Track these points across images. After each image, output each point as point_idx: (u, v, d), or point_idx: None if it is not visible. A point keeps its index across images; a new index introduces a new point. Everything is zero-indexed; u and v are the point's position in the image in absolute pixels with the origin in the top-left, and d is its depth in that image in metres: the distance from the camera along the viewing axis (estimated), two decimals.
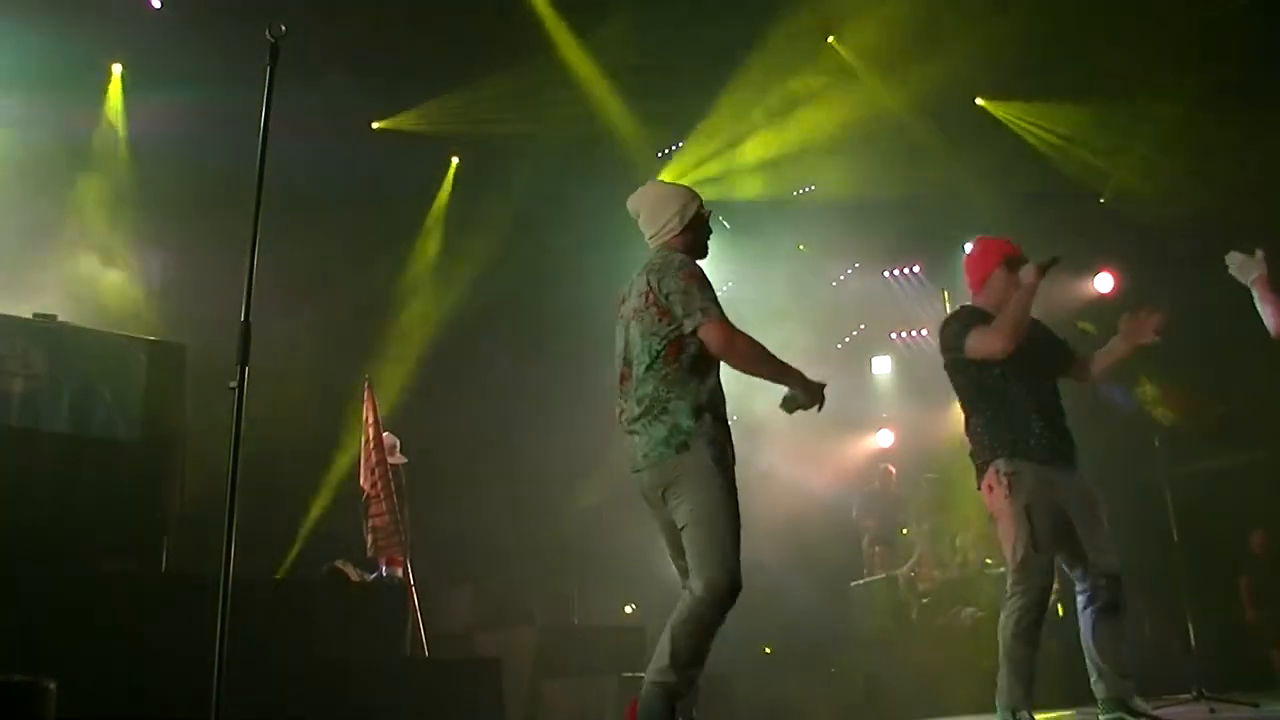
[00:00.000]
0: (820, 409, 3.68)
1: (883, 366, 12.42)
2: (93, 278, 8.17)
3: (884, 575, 9.56)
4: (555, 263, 10.66)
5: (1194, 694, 6.38)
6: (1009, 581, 4.24)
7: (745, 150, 11.19)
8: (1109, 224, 10.91)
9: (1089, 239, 10.38)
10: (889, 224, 11.22)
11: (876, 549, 9.92)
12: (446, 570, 8.91)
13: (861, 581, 9.81)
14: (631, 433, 3.68)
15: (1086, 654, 4.43)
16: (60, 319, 5.80)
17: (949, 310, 3.87)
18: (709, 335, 3.51)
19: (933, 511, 9.98)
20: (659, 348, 3.58)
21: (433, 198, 10.85)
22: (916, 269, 12.40)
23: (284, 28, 3.43)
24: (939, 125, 10.61)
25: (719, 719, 7.04)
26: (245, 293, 3.32)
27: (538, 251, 10.62)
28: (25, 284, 7.45)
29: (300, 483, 8.61)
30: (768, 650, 9.92)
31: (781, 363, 3.63)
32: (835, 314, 12.23)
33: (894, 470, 10.82)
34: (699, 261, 3.72)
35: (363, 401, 7.74)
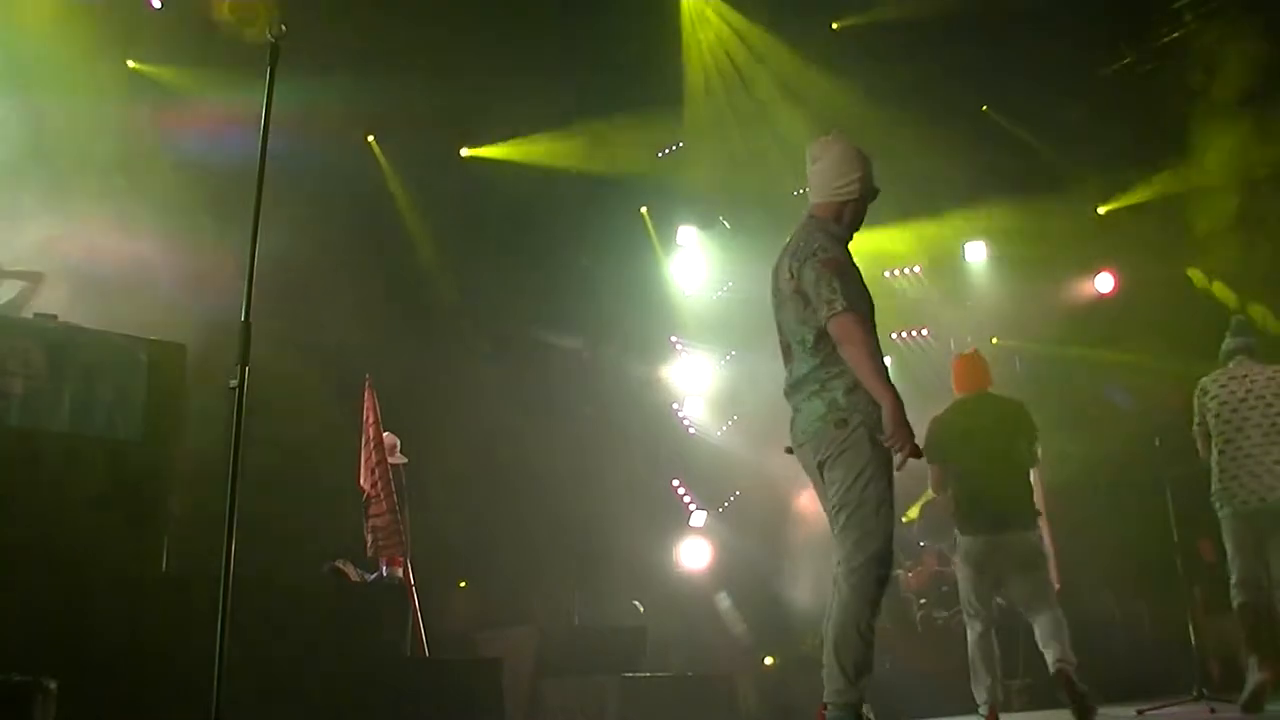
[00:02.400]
0: (898, 461, 3.60)
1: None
2: (93, 277, 8.16)
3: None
4: (556, 262, 10.66)
5: (1194, 694, 6.38)
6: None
7: None
8: (1109, 225, 10.93)
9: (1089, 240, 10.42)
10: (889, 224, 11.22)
11: None
12: (446, 570, 8.91)
13: None
14: (795, 409, 3.80)
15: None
16: (60, 319, 5.80)
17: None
18: (834, 329, 3.64)
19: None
20: (812, 333, 3.71)
21: (431, 197, 10.86)
22: (916, 269, 12.39)
23: (284, 27, 3.43)
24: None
25: (719, 719, 7.05)
26: (245, 293, 3.33)
27: (538, 251, 10.62)
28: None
29: (300, 483, 8.60)
30: (769, 661, 9.92)
31: (884, 383, 3.60)
32: None
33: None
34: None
35: (363, 401, 7.73)
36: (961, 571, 5.54)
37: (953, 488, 5.45)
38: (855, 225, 3.95)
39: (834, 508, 3.64)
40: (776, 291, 3.90)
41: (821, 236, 3.79)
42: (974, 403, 5.65)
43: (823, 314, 3.63)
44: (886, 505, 3.58)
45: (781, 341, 3.91)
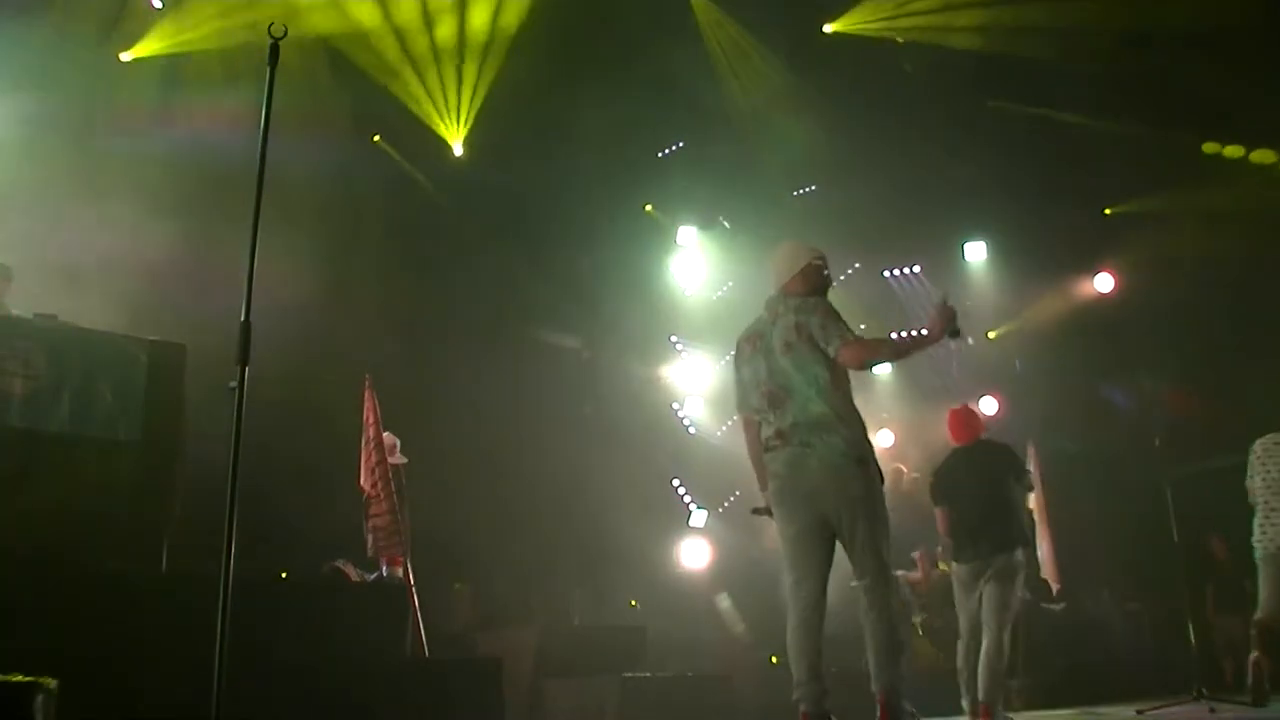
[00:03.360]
0: (954, 332, 4.43)
1: (883, 367, 12.40)
2: (93, 277, 8.16)
3: None
4: (556, 262, 10.66)
5: (1194, 694, 6.38)
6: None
7: None
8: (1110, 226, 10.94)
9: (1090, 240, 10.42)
10: (889, 224, 11.24)
11: None
12: (446, 570, 8.91)
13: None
14: (803, 444, 4.26)
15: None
16: (60, 319, 5.80)
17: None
18: (845, 356, 4.24)
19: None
20: (827, 372, 4.28)
21: (431, 196, 10.87)
22: (916, 269, 12.40)
23: (285, 28, 3.43)
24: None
25: (720, 719, 7.05)
26: (245, 293, 3.32)
27: (539, 251, 10.63)
28: (26, 283, 7.45)
29: (300, 483, 8.60)
30: (774, 660, 9.92)
31: (900, 342, 4.72)
32: None
33: (905, 469, 10.83)
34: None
35: (363, 401, 7.73)
36: (955, 594, 6.17)
37: (950, 525, 6.17)
38: (823, 292, 4.57)
39: (851, 535, 4.17)
40: (759, 348, 4.50)
41: (814, 298, 4.47)
42: (966, 452, 6.31)
43: (835, 345, 4.22)
44: (888, 530, 4.23)
45: (770, 390, 4.39)
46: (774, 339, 4.44)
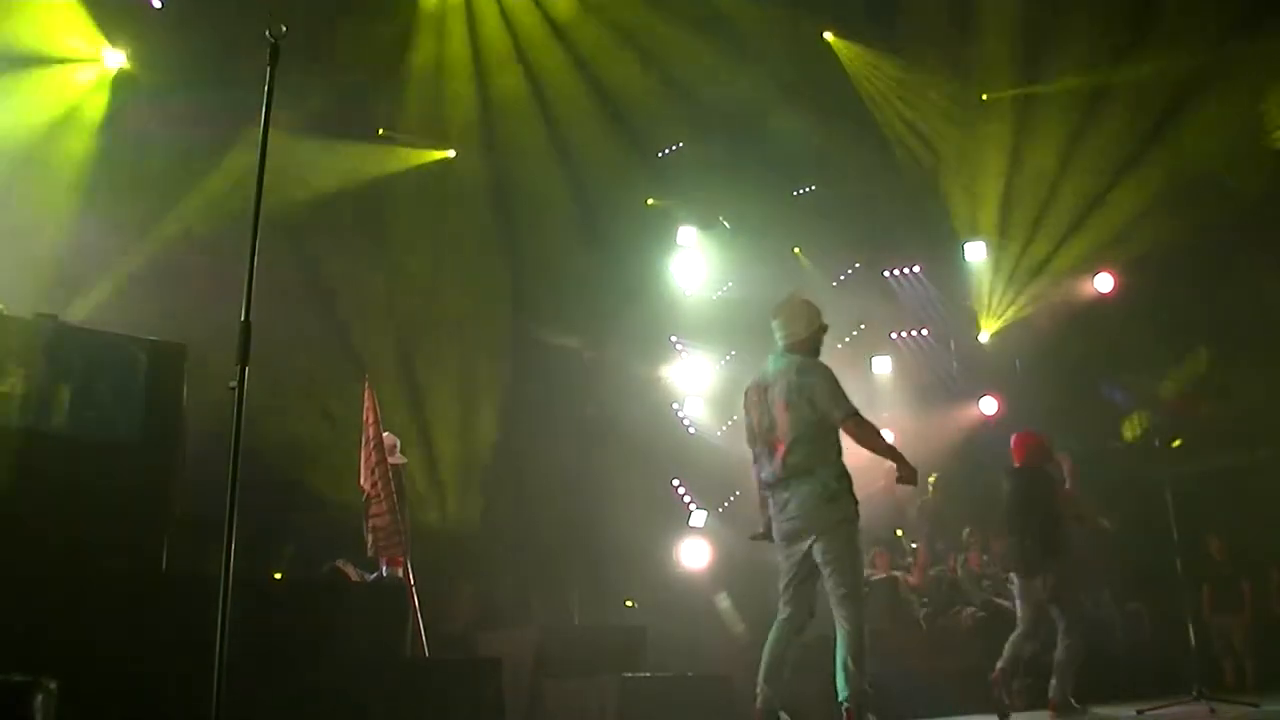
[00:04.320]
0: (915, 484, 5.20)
1: (883, 366, 12.42)
2: (93, 277, 8.16)
3: (884, 575, 9.56)
4: (556, 263, 10.66)
5: (1194, 694, 6.38)
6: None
7: None
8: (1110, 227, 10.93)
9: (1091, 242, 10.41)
10: (889, 224, 11.24)
11: (875, 549, 9.92)
12: (446, 570, 8.91)
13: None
14: (786, 488, 4.95)
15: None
16: (60, 319, 5.79)
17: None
18: (850, 428, 4.91)
19: (933, 511, 9.99)
20: (813, 431, 4.90)
21: (429, 197, 10.86)
22: (916, 269, 12.40)
23: (284, 28, 3.43)
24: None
25: (719, 719, 7.05)
26: (245, 293, 3.32)
27: (538, 251, 10.63)
28: (26, 284, 7.46)
29: (301, 482, 8.60)
30: None
31: (891, 445, 5.07)
32: (835, 314, 12.20)
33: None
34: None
35: (363, 401, 7.73)
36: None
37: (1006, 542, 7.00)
38: (818, 354, 5.19)
39: (824, 561, 4.82)
40: (763, 398, 5.07)
41: (819, 363, 5.06)
42: (1017, 475, 6.94)
43: (842, 413, 4.87)
44: (861, 564, 4.95)
45: (768, 440, 5.02)
46: (774, 393, 5.02)
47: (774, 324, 5.22)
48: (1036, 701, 7.73)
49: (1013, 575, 6.82)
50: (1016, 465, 6.98)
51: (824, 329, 5.22)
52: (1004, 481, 7.00)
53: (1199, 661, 6.89)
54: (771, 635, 4.97)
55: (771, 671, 4.92)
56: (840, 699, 4.74)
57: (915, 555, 9.81)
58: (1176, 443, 7.58)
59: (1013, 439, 7.09)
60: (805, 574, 4.92)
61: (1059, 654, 6.47)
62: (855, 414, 4.88)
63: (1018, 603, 6.75)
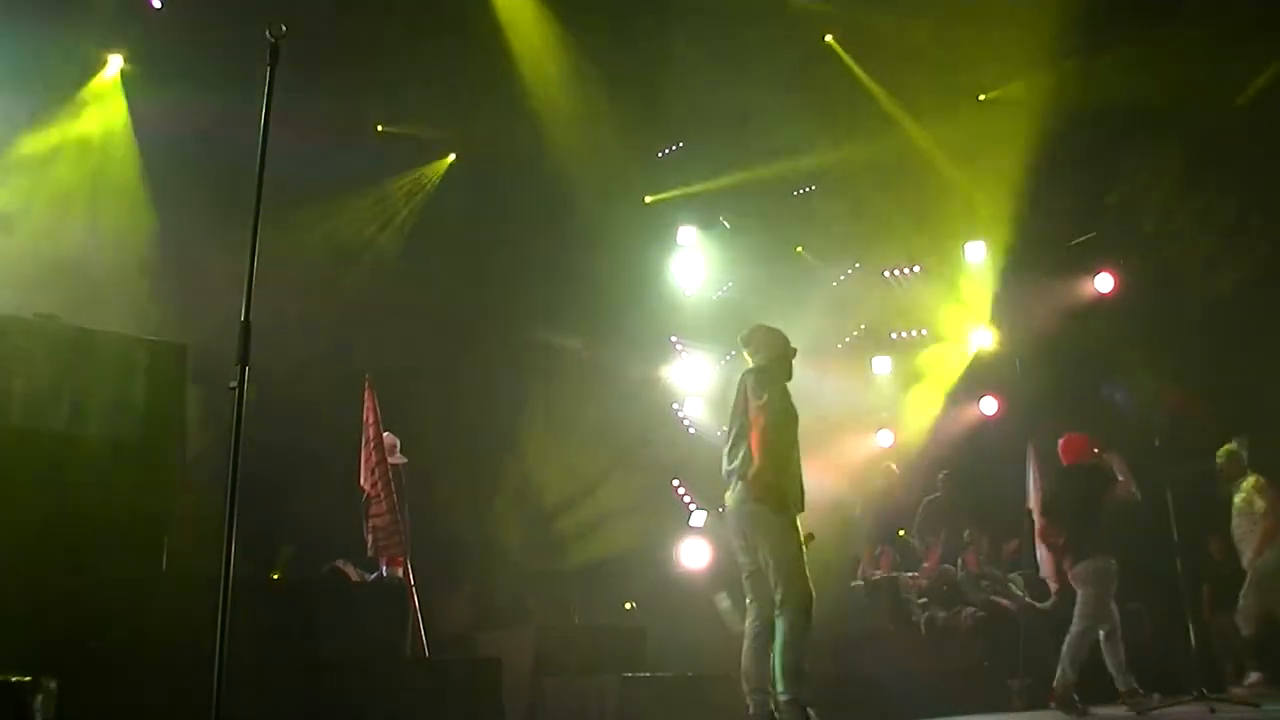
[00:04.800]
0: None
1: (883, 366, 12.42)
2: (93, 277, 8.16)
3: (884, 575, 9.56)
4: (556, 262, 10.66)
5: (1194, 694, 6.38)
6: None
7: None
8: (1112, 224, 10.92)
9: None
10: (889, 224, 11.23)
11: (880, 549, 9.92)
12: (446, 570, 8.91)
13: (860, 581, 9.81)
14: (727, 487, 5.29)
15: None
16: (60, 319, 5.80)
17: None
18: (754, 415, 5.14)
19: (943, 509, 10.00)
20: (746, 425, 5.19)
21: (428, 196, 10.87)
22: (916, 269, 12.39)
23: (284, 28, 3.43)
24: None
25: (719, 719, 7.04)
26: (245, 293, 3.32)
27: (538, 250, 10.62)
28: (26, 284, 7.46)
29: (300, 483, 8.60)
30: None
31: (764, 456, 5.08)
32: (835, 314, 12.23)
33: (897, 469, 10.82)
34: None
35: (363, 401, 7.73)
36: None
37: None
38: (787, 377, 5.44)
39: (763, 562, 5.11)
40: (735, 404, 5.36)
41: (761, 373, 5.35)
42: (1070, 473, 7.47)
43: (757, 403, 5.11)
44: (799, 560, 5.05)
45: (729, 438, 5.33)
46: (737, 399, 5.37)
47: (744, 351, 5.63)
48: (1036, 702, 7.74)
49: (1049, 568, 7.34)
50: (1067, 464, 7.42)
51: (790, 354, 5.48)
52: (1051, 481, 7.60)
53: (1199, 661, 6.89)
54: (745, 642, 5.34)
55: (759, 678, 5.17)
56: (776, 688, 4.97)
57: (925, 554, 9.78)
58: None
59: (1060, 441, 7.53)
60: (753, 568, 5.27)
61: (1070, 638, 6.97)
62: (760, 408, 5.12)
63: (1079, 594, 7.11)
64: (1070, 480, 7.43)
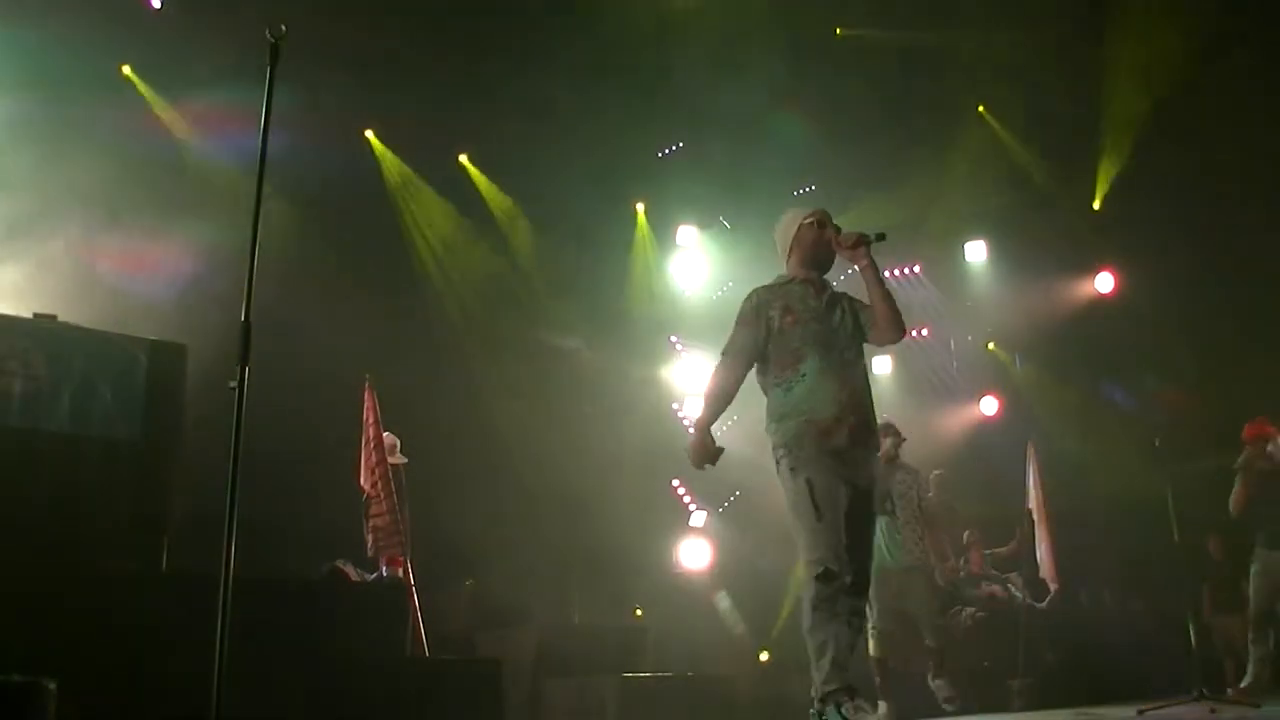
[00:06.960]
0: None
1: (883, 366, 12.41)
2: (93, 277, 8.16)
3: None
4: (555, 262, 10.66)
5: (1194, 694, 6.37)
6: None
7: None
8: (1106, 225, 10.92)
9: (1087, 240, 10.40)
10: (889, 224, 11.22)
11: None
12: (446, 570, 8.91)
13: None
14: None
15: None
16: (60, 319, 5.80)
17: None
18: None
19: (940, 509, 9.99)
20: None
21: (429, 197, 10.86)
22: (917, 269, 12.39)
23: (284, 28, 3.43)
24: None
25: (719, 719, 7.05)
26: (245, 293, 3.32)
27: (537, 250, 10.62)
28: (27, 284, 7.46)
29: (300, 482, 8.60)
30: (763, 657, 9.91)
31: (701, 415, 4.51)
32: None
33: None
34: (818, 266, 4.76)
35: (363, 401, 7.74)
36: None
37: None
38: (817, 261, 4.72)
39: None
40: None
41: (758, 291, 4.61)
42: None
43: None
44: (813, 521, 4.01)
45: None
46: None
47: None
48: (1035, 702, 7.74)
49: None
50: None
51: (798, 232, 4.68)
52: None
53: (1200, 661, 6.88)
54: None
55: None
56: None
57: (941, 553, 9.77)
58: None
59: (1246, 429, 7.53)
60: None
61: None
62: (721, 355, 4.50)
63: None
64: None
